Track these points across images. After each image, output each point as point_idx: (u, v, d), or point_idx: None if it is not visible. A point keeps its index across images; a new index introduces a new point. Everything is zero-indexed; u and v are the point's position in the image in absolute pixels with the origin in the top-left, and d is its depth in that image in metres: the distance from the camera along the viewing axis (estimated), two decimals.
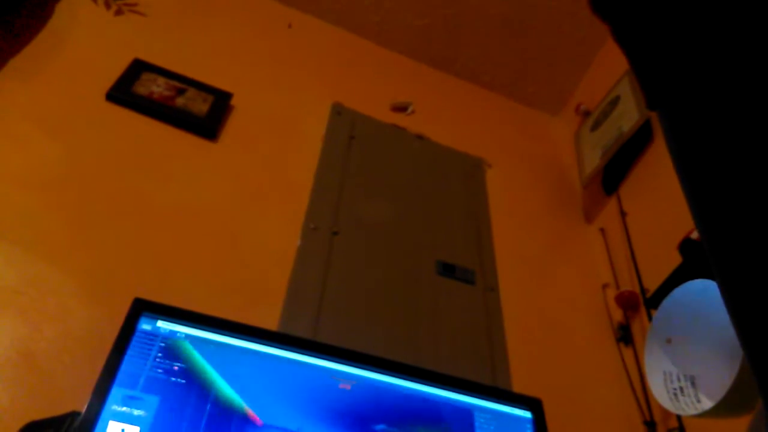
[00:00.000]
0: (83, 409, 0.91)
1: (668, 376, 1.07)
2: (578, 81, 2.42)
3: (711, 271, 0.39)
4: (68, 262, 1.25)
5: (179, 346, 1.03)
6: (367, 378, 1.12)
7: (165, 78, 1.70)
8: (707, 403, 0.97)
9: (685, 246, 1.44)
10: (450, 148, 2.02)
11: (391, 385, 1.13)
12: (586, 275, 1.90)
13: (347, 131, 1.86)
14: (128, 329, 1.01)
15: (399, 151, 1.92)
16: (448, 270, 1.63)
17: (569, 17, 2.25)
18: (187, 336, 1.05)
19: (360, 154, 1.81)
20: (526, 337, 1.61)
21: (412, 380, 1.15)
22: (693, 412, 0.99)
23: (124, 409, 0.93)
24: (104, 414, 0.91)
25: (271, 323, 1.31)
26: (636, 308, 1.67)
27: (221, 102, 1.71)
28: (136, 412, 0.93)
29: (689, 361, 1.05)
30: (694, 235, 1.41)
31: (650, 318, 1.53)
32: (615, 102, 2.05)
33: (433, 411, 1.12)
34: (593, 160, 2.03)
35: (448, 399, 1.15)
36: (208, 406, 0.98)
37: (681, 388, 1.03)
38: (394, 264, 1.59)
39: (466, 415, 1.14)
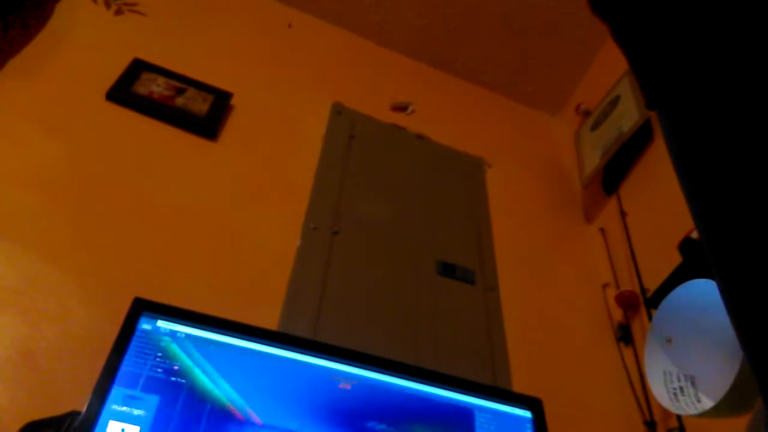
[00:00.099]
0: (83, 409, 0.91)
1: (668, 376, 1.07)
2: (578, 81, 2.42)
3: (711, 271, 0.39)
4: (68, 262, 1.25)
5: (179, 346, 1.03)
6: (367, 378, 1.12)
7: (165, 78, 1.70)
8: (707, 403, 0.97)
9: (685, 246, 1.44)
10: (450, 148, 2.02)
11: (391, 384, 1.13)
12: (586, 275, 1.90)
13: (347, 131, 1.86)
14: (128, 329, 1.01)
15: (399, 151, 1.92)
16: (448, 270, 1.63)
17: (569, 17, 2.25)
18: (188, 336, 1.05)
19: (360, 153, 1.81)
20: (526, 337, 1.61)
21: (412, 380, 1.15)
22: (693, 412, 0.99)
23: (124, 408, 0.93)
24: (104, 414, 0.91)
25: (271, 323, 1.31)
26: (636, 308, 1.67)
27: (221, 102, 1.71)
28: (136, 412, 0.93)
29: (689, 361, 1.05)
30: (694, 234, 1.41)
31: (650, 318, 1.53)
32: (615, 102, 2.05)
33: (433, 411, 1.12)
34: (593, 159, 2.02)
35: (449, 399, 1.15)
36: (208, 406, 0.98)
37: (681, 388, 1.03)
38: (394, 264, 1.59)
39: (466, 414, 1.14)
